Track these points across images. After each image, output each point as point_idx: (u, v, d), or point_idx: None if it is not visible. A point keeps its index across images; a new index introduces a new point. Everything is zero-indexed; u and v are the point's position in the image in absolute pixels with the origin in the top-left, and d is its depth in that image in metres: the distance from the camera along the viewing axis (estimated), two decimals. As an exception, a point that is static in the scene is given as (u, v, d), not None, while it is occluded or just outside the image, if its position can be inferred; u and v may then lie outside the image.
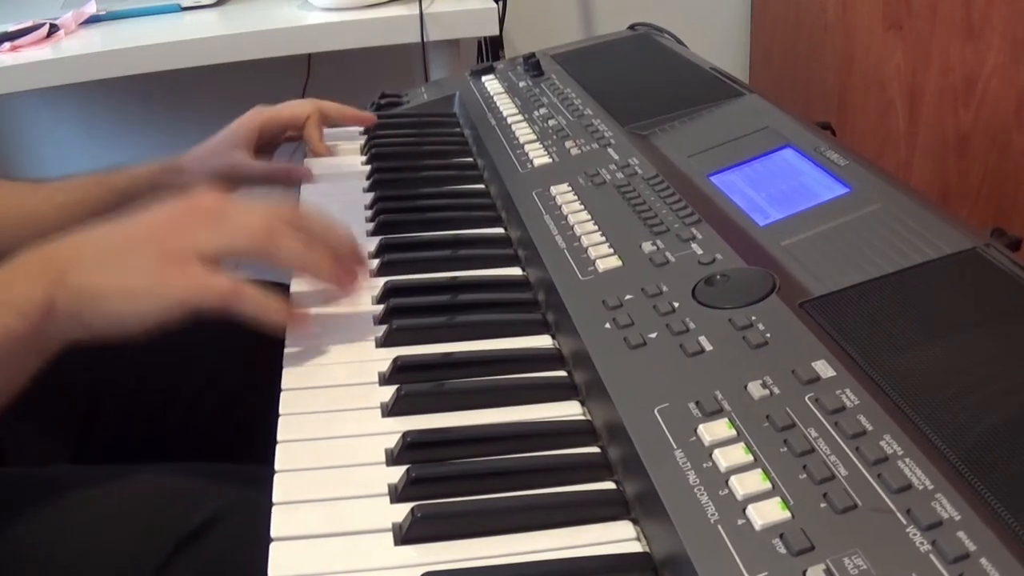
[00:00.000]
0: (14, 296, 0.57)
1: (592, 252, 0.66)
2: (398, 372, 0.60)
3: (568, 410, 0.57)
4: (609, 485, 0.51)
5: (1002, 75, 1.44)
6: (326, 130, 1.02)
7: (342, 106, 0.98)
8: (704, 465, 0.46)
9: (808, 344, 0.52)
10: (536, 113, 0.93)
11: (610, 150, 0.81)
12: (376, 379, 0.60)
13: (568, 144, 0.84)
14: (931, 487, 0.41)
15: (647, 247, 0.65)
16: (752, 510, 0.43)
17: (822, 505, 0.42)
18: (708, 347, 0.54)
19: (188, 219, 0.62)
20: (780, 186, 0.69)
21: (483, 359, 0.62)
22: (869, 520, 0.41)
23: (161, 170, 0.89)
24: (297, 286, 0.73)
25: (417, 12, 1.33)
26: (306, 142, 0.96)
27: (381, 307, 0.68)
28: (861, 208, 0.63)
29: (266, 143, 0.95)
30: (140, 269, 0.59)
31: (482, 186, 0.88)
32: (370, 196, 0.86)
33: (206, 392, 0.84)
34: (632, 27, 1.17)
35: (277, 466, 0.53)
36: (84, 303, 0.58)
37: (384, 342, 0.64)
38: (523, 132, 0.89)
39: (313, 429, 0.56)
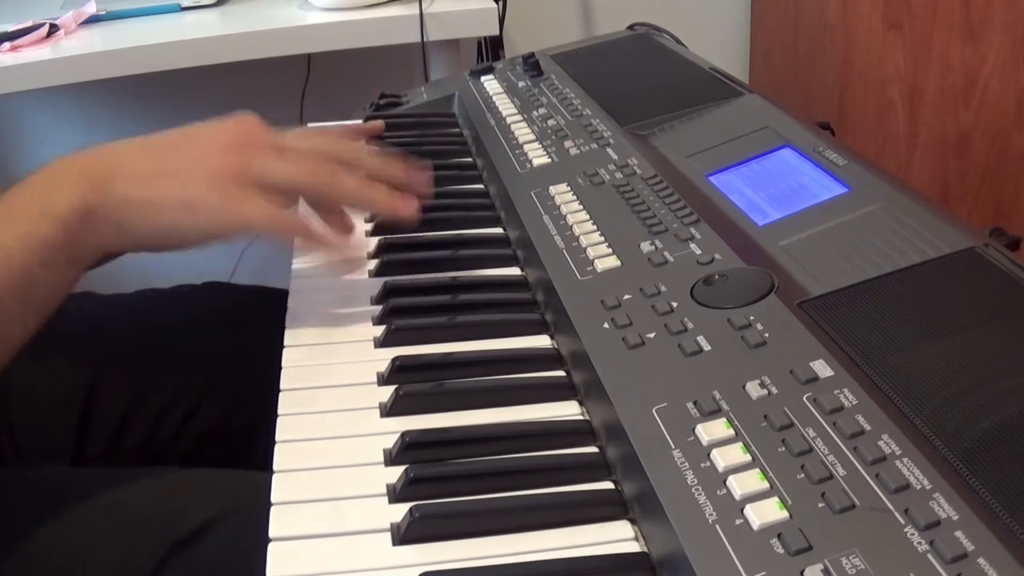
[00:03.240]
0: (52, 204, 0.57)
1: (591, 252, 0.66)
2: (397, 372, 0.60)
3: (566, 410, 0.57)
4: (607, 485, 0.51)
5: (1002, 75, 1.44)
6: (328, 125, 1.02)
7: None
8: (702, 465, 0.46)
9: (806, 344, 0.52)
10: (535, 113, 0.93)
11: (609, 150, 0.81)
12: (375, 379, 0.60)
13: (567, 144, 0.84)
14: (929, 487, 0.41)
15: (646, 247, 0.65)
16: (750, 510, 0.43)
17: (820, 505, 0.42)
18: (706, 347, 0.54)
19: (243, 141, 0.63)
20: (779, 186, 0.69)
21: (482, 359, 0.62)
22: (867, 520, 0.41)
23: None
24: (297, 286, 0.73)
25: (417, 12, 1.33)
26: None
27: (380, 307, 0.68)
28: (860, 208, 0.63)
29: None
30: (199, 184, 0.60)
31: (481, 186, 0.88)
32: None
33: (205, 394, 0.84)
34: (632, 27, 1.17)
35: (276, 466, 0.53)
36: (131, 213, 0.58)
37: (383, 342, 0.64)
38: (522, 132, 0.89)
39: (312, 429, 0.56)
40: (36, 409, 0.80)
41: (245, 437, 0.78)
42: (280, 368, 0.62)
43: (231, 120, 0.65)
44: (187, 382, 0.84)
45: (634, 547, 0.47)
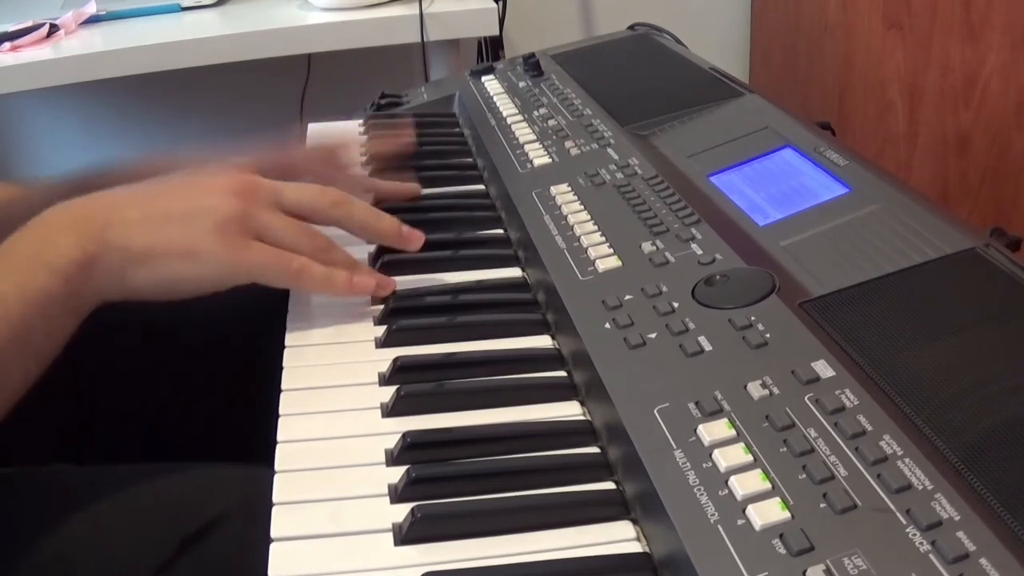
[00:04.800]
0: (50, 255, 0.56)
1: (592, 252, 0.66)
2: (398, 372, 0.60)
3: (568, 410, 0.57)
4: (609, 485, 0.51)
5: (1002, 75, 1.44)
6: (326, 126, 1.02)
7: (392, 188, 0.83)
8: (704, 465, 0.46)
9: (808, 344, 0.52)
10: (536, 113, 0.93)
11: (610, 150, 0.81)
12: (376, 379, 0.60)
13: (568, 144, 0.84)
14: (931, 487, 0.41)
15: (647, 247, 0.65)
16: (752, 510, 0.43)
17: (822, 505, 0.42)
18: (708, 347, 0.54)
19: (244, 190, 0.62)
20: (780, 186, 0.69)
21: (483, 359, 0.62)
22: (869, 520, 0.41)
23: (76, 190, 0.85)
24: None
25: (417, 12, 1.33)
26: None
27: (381, 307, 0.68)
28: (861, 208, 0.63)
29: None
30: (202, 231, 0.59)
31: (482, 186, 0.88)
32: (370, 196, 0.86)
33: (206, 392, 0.84)
34: (632, 27, 1.17)
35: (277, 466, 0.53)
36: (132, 263, 0.57)
37: (385, 342, 0.64)
38: (523, 132, 0.89)
39: (313, 429, 0.56)
40: (36, 409, 0.80)
41: (246, 434, 0.78)
42: (281, 367, 0.62)
43: (229, 171, 0.64)
44: (188, 380, 0.84)
45: (636, 547, 0.47)
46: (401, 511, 0.49)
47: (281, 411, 0.57)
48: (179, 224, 0.59)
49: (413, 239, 0.70)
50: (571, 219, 0.71)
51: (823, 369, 0.49)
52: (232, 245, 0.60)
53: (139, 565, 0.59)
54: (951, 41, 1.44)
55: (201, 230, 0.59)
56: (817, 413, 0.47)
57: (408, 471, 0.51)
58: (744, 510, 0.43)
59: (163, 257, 0.58)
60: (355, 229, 0.69)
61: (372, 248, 0.77)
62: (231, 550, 0.59)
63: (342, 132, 1.01)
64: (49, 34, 1.34)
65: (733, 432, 0.47)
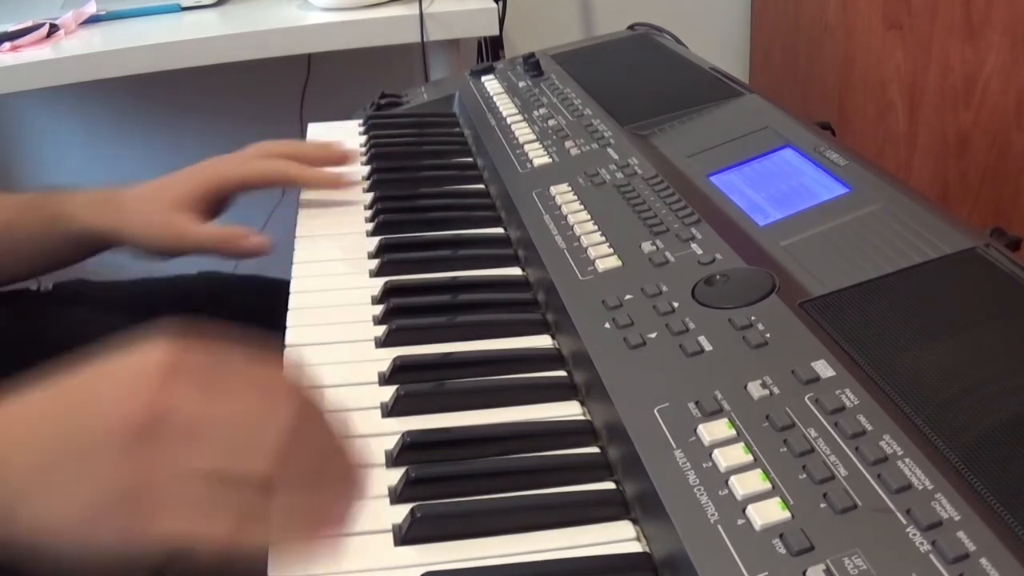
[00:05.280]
0: None
1: (592, 252, 0.66)
2: (398, 372, 0.60)
3: (568, 410, 0.57)
4: (609, 485, 0.51)
5: (1002, 75, 1.44)
6: (325, 126, 1.02)
7: (318, 148, 0.87)
8: (704, 465, 0.46)
9: (808, 344, 0.52)
10: (536, 113, 0.93)
11: (610, 150, 0.81)
12: (376, 379, 0.60)
13: (568, 144, 0.84)
14: (931, 487, 0.41)
15: (647, 247, 0.65)
16: (752, 510, 0.43)
17: (822, 505, 0.42)
18: (708, 347, 0.54)
19: (160, 420, 0.42)
20: (780, 186, 0.69)
21: (483, 359, 0.62)
22: (869, 520, 0.41)
23: (89, 203, 0.81)
24: (297, 286, 0.73)
25: (417, 12, 1.33)
26: (302, 184, 0.85)
27: (381, 307, 0.68)
28: (861, 208, 0.63)
29: (219, 201, 0.85)
30: (91, 512, 0.42)
31: (482, 186, 0.88)
32: (370, 196, 0.86)
33: None
34: (632, 27, 1.17)
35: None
36: (16, 538, 0.42)
37: (384, 342, 0.64)
38: (523, 132, 0.89)
39: (313, 429, 0.56)
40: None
41: None
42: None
43: (136, 378, 0.43)
44: None
45: (636, 547, 0.47)
46: (401, 511, 0.49)
47: (281, 411, 0.57)
48: (62, 499, 0.42)
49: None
50: (571, 219, 0.71)
51: (823, 369, 0.49)
52: (122, 525, 0.42)
53: (135, 566, 0.59)
54: (951, 41, 1.44)
55: (86, 507, 0.42)
56: (817, 413, 0.47)
57: (408, 471, 0.51)
58: (744, 510, 0.43)
59: (51, 536, 0.42)
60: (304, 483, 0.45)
61: (372, 247, 0.77)
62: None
63: (341, 132, 1.02)
64: (49, 34, 1.34)
65: (733, 432, 0.47)
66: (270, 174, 0.83)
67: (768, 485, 0.44)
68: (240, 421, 0.43)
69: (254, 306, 0.88)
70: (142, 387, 0.43)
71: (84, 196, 0.82)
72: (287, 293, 0.71)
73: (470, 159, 0.93)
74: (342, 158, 0.87)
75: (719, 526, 0.43)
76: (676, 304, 0.58)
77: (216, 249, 0.80)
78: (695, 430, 0.48)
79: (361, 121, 1.04)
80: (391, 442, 0.54)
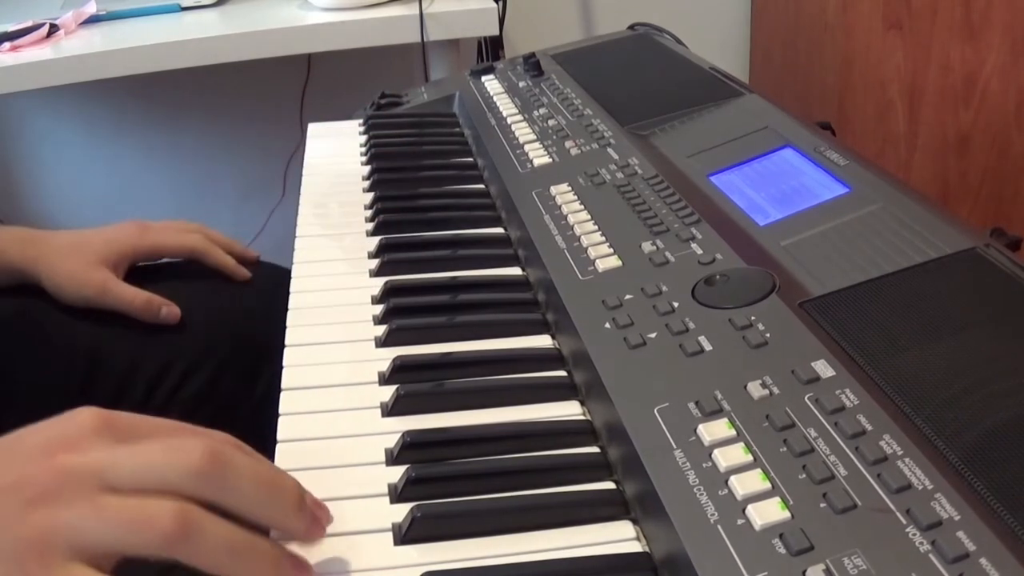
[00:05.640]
0: None
1: (592, 252, 0.66)
2: (398, 372, 0.60)
3: (568, 410, 0.57)
4: (609, 485, 0.51)
5: (1002, 75, 1.44)
6: (325, 126, 1.02)
7: (228, 239, 0.91)
8: (704, 465, 0.46)
9: (808, 344, 0.52)
10: (536, 113, 0.93)
11: (610, 150, 0.81)
12: (376, 379, 0.60)
13: (568, 144, 0.84)
14: (931, 487, 0.41)
15: (647, 247, 0.65)
16: (752, 510, 0.43)
17: (822, 505, 0.42)
18: (708, 347, 0.54)
19: (57, 480, 0.42)
20: (780, 186, 0.69)
21: (483, 359, 0.62)
22: (869, 520, 0.41)
23: (16, 240, 0.82)
24: (297, 285, 0.73)
25: (417, 12, 1.33)
26: (217, 267, 0.88)
27: (381, 307, 0.68)
28: (861, 208, 0.63)
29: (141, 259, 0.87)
30: None
31: (482, 186, 0.88)
32: (370, 196, 0.86)
33: (206, 392, 0.84)
34: (632, 27, 1.17)
35: (277, 465, 0.53)
36: None
37: (384, 342, 0.64)
38: (523, 132, 0.89)
39: (313, 429, 0.56)
40: (37, 383, 0.80)
41: (247, 429, 0.79)
42: (280, 368, 0.62)
43: (48, 440, 0.44)
44: (188, 381, 0.84)
45: (636, 547, 0.47)
46: (401, 511, 0.49)
47: (281, 410, 0.57)
48: None
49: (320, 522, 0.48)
50: (571, 219, 0.71)
51: (823, 369, 0.49)
52: None
53: (137, 567, 0.59)
54: (951, 41, 1.44)
55: None
56: (817, 413, 0.47)
57: (408, 471, 0.51)
58: (744, 510, 0.43)
59: None
60: (241, 508, 0.44)
61: (372, 247, 0.77)
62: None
63: (341, 133, 1.02)
64: (49, 34, 1.34)
65: (733, 432, 0.47)
66: (186, 246, 0.88)
67: (768, 485, 0.44)
68: (152, 453, 0.43)
69: (254, 307, 0.88)
70: (53, 446, 0.43)
71: (10, 233, 0.83)
72: (286, 294, 0.71)
73: (470, 159, 0.93)
74: (244, 253, 0.92)
75: (719, 526, 0.43)
76: (676, 304, 0.58)
77: (131, 313, 0.82)
78: (695, 430, 0.48)
79: (361, 121, 1.05)
80: (391, 441, 0.54)
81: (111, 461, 0.43)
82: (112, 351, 0.82)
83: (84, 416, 0.45)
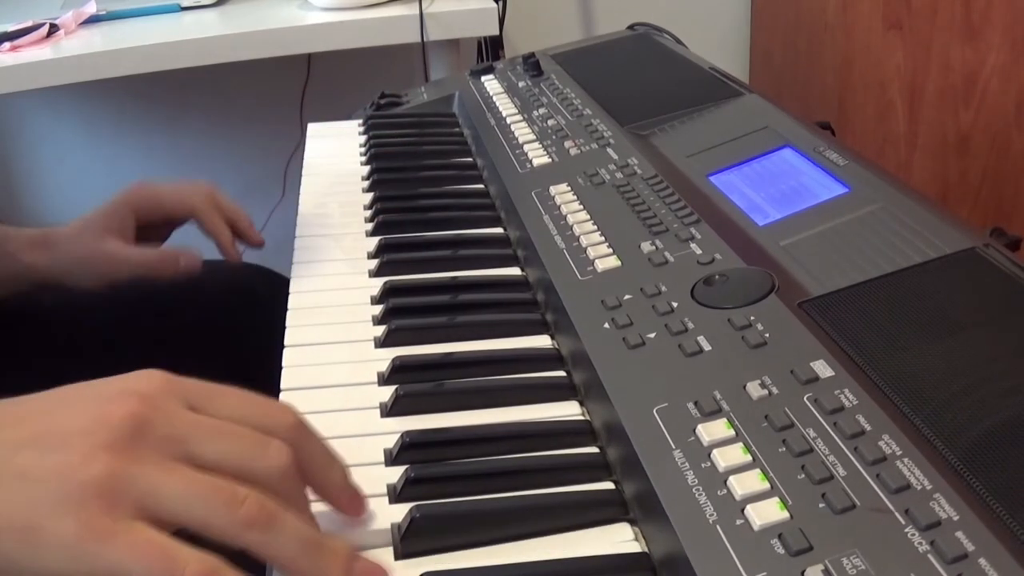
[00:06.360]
0: None
1: (591, 252, 0.66)
2: (397, 372, 0.60)
3: (567, 410, 0.57)
4: (608, 485, 0.51)
5: (1002, 75, 1.44)
6: (326, 126, 1.02)
7: (238, 209, 0.85)
8: (703, 465, 0.46)
9: (807, 344, 0.52)
10: (535, 113, 0.93)
11: (609, 150, 0.81)
12: (375, 379, 0.60)
13: (567, 144, 0.84)
14: (930, 487, 0.41)
15: (646, 247, 0.65)
16: (751, 510, 0.43)
17: (820, 505, 0.42)
18: (707, 347, 0.54)
19: (132, 432, 0.41)
20: (779, 186, 0.69)
21: (482, 359, 0.62)
22: (867, 520, 0.41)
23: (29, 243, 0.82)
24: (297, 286, 0.73)
25: (417, 12, 1.33)
26: (211, 235, 0.83)
27: (380, 307, 0.68)
28: (860, 208, 0.63)
29: (151, 225, 0.83)
30: (49, 502, 0.39)
31: (482, 186, 0.88)
32: (370, 196, 0.86)
33: (199, 363, 0.84)
34: (632, 27, 1.17)
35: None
36: None
37: (383, 342, 0.64)
38: (522, 132, 0.89)
39: (312, 429, 0.56)
40: (40, 383, 0.81)
41: None
42: (280, 367, 0.62)
43: (122, 391, 0.43)
44: (187, 374, 0.84)
45: (634, 547, 0.47)
46: (400, 511, 0.49)
47: (280, 411, 0.57)
48: (20, 485, 0.40)
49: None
50: (570, 219, 0.71)
51: (822, 369, 0.49)
52: (89, 526, 0.39)
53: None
54: (951, 41, 1.44)
55: (47, 497, 0.39)
56: (816, 413, 0.47)
57: (407, 471, 0.51)
58: (743, 510, 0.43)
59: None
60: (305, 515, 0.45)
61: (372, 247, 0.77)
62: (231, 548, 0.59)
63: (341, 133, 1.02)
64: (49, 34, 1.34)
65: (732, 432, 0.47)
66: (186, 203, 0.82)
67: (767, 485, 0.44)
68: (242, 439, 0.43)
69: (245, 288, 0.88)
70: (128, 397, 0.42)
71: (24, 235, 0.83)
72: (286, 294, 0.71)
73: (470, 159, 0.93)
74: (248, 231, 0.85)
75: (717, 526, 0.43)
76: (675, 304, 0.58)
77: (149, 272, 0.79)
78: (694, 430, 0.48)
79: (361, 121, 1.05)
80: (390, 442, 0.54)
81: (195, 432, 0.42)
82: (111, 354, 0.83)
83: (156, 376, 0.44)
